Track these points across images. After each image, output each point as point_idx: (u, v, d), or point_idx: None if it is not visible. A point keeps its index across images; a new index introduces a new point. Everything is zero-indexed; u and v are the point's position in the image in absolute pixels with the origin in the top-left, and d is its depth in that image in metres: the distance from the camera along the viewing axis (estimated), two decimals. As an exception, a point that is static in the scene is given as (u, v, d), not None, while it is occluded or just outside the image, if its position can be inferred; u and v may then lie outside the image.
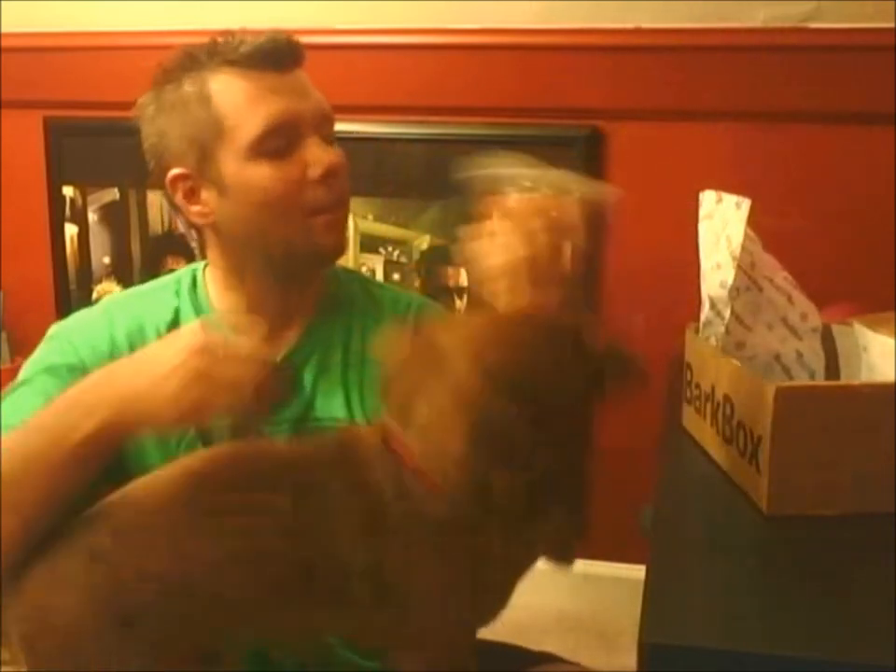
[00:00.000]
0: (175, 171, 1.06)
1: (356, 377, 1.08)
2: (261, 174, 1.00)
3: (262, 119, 1.00)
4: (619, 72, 1.86)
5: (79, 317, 1.12)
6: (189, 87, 1.03)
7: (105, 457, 0.87)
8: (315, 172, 1.01)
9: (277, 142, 1.00)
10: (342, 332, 1.11)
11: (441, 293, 2.00)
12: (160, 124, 1.07)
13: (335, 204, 1.03)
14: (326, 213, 1.03)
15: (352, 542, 0.86)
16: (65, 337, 1.07)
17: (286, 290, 1.09)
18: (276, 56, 1.03)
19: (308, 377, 1.07)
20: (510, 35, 1.90)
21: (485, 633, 1.29)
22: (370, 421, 1.03)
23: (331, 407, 1.06)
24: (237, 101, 1.01)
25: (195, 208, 1.06)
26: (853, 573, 0.91)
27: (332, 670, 1.04)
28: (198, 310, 1.10)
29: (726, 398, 1.11)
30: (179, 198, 1.06)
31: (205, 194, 1.04)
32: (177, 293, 1.12)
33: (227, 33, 1.05)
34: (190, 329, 0.90)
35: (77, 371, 1.01)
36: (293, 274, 1.08)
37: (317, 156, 1.01)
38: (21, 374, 1.05)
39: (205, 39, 1.07)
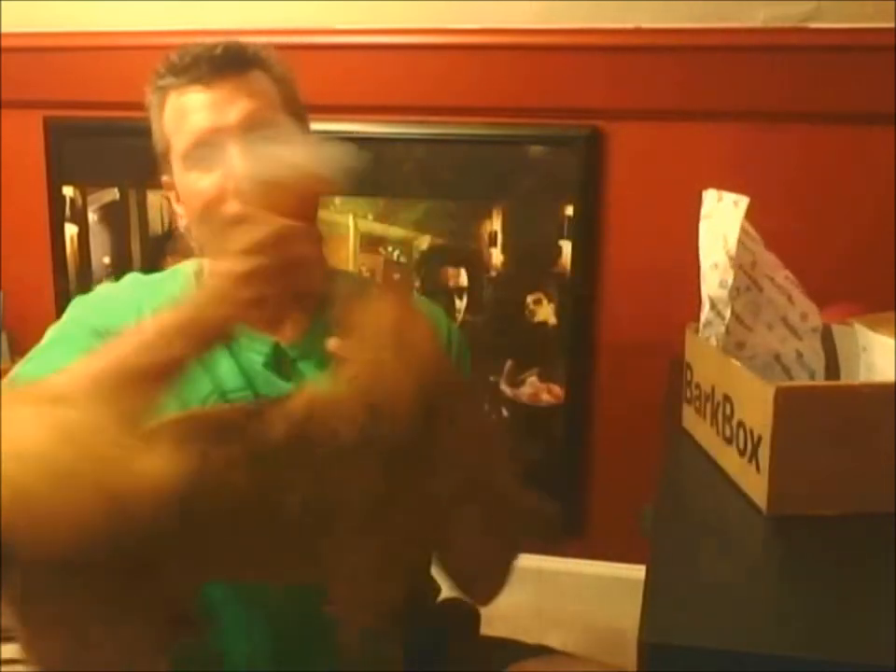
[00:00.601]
0: (164, 177, 1.14)
1: None
2: (193, 182, 1.07)
3: (188, 135, 1.06)
4: (619, 72, 1.86)
5: (107, 291, 1.15)
6: (156, 103, 1.11)
7: None
8: (231, 183, 1.04)
9: (202, 154, 1.05)
10: None
11: (441, 293, 2.00)
12: (153, 129, 1.14)
13: None
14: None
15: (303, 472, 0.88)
16: (98, 305, 1.10)
17: None
18: (206, 70, 1.06)
19: (308, 371, 1.10)
20: (510, 35, 1.90)
21: (484, 629, 1.30)
22: None
23: None
24: (176, 117, 1.08)
25: (178, 210, 1.15)
26: (853, 573, 0.91)
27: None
28: None
29: (726, 398, 1.11)
30: (172, 200, 1.15)
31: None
32: (180, 283, 1.15)
33: (183, 45, 1.10)
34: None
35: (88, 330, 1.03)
36: None
37: (234, 167, 1.03)
38: (57, 332, 1.06)
39: (202, 40, 1.10)
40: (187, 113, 1.06)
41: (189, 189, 1.07)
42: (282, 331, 1.12)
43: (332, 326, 1.13)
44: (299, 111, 1.12)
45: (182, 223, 1.16)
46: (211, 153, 1.05)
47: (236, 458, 0.88)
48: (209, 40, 1.09)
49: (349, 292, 1.19)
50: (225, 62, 1.06)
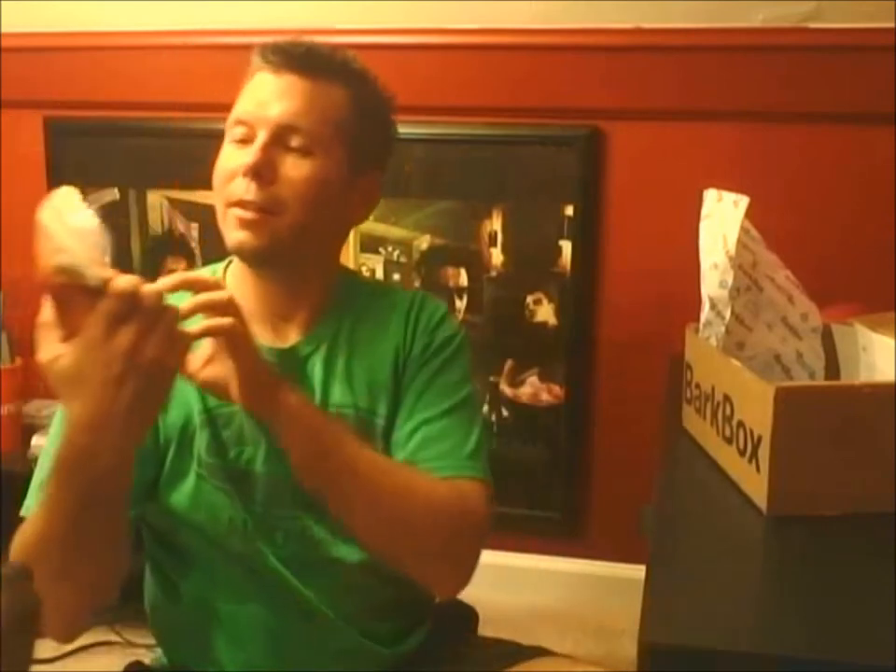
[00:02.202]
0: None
1: (360, 369, 1.12)
2: (222, 153, 1.09)
3: (236, 109, 1.09)
4: (619, 72, 1.86)
5: None
6: (249, 76, 1.12)
7: None
8: (242, 166, 1.06)
9: (240, 132, 1.08)
10: (347, 330, 1.14)
11: (441, 293, 2.00)
12: None
13: (256, 205, 1.04)
14: (241, 208, 1.05)
15: None
16: None
17: (284, 282, 1.12)
18: (285, 60, 1.07)
19: (316, 367, 1.11)
20: (510, 35, 1.90)
21: (482, 629, 1.29)
22: (371, 408, 1.11)
23: (337, 395, 1.11)
24: (243, 91, 1.10)
25: None
26: (853, 573, 0.91)
27: None
28: None
29: (726, 398, 1.11)
30: None
31: None
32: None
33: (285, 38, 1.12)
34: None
35: None
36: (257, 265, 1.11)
37: (249, 153, 1.05)
38: None
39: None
40: (248, 90, 1.09)
41: (220, 156, 1.09)
42: (285, 334, 1.13)
43: (344, 324, 1.14)
44: (350, 135, 1.09)
45: None
46: (247, 133, 1.07)
47: None
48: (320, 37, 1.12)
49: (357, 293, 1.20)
50: (310, 61, 1.08)
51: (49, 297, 0.87)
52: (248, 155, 1.04)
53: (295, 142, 1.05)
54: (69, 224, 0.89)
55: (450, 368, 1.15)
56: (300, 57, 1.08)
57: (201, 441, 1.07)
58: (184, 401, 1.07)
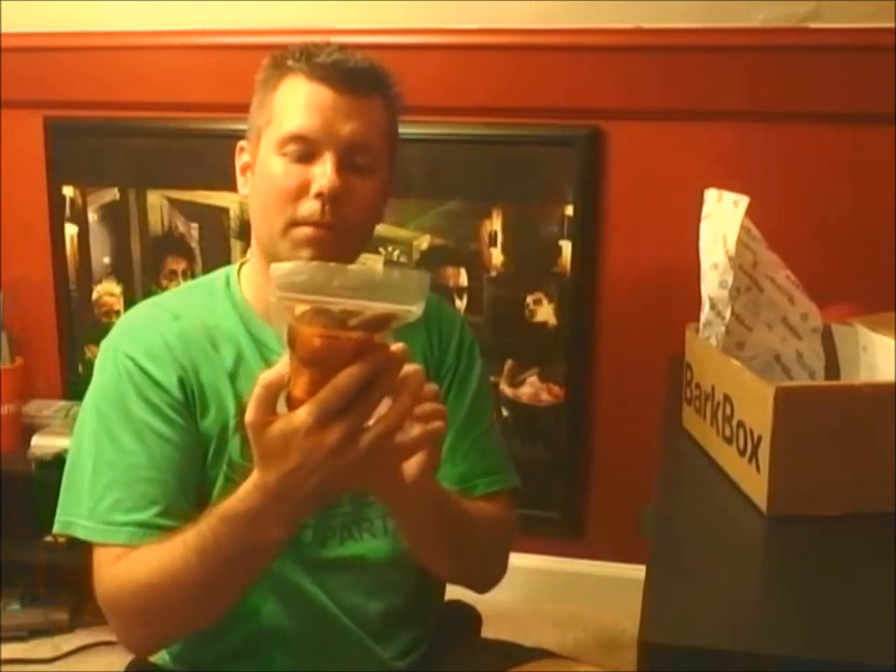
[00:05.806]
0: (241, 143, 1.16)
1: None
2: (275, 167, 1.08)
3: (294, 124, 1.07)
4: (619, 72, 1.86)
5: (127, 329, 1.12)
6: (273, 77, 1.11)
7: None
8: (314, 187, 1.05)
9: (299, 149, 1.06)
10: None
11: (442, 293, 2.00)
12: (254, 100, 1.15)
13: (324, 224, 1.05)
14: (309, 227, 1.06)
15: None
16: (123, 352, 1.08)
17: None
18: (341, 78, 1.07)
19: None
20: (509, 35, 1.90)
21: (484, 631, 1.30)
22: None
23: None
24: (290, 101, 1.08)
25: (241, 179, 1.16)
26: (853, 573, 0.91)
27: None
28: (234, 305, 1.14)
29: (726, 398, 1.11)
30: (238, 167, 1.16)
31: (250, 171, 1.13)
32: (211, 293, 1.16)
33: (320, 41, 1.12)
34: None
35: (149, 381, 1.06)
36: None
37: (322, 175, 1.05)
38: (100, 402, 1.07)
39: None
40: (306, 104, 1.07)
41: (267, 169, 1.08)
42: None
43: None
44: (392, 144, 1.15)
45: (241, 193, 1.17)
46: (307, 150, 1.06)
47: None
48: (333, 41, 1.11)
49: None
50: (362, 78, 1.09)
51: (294, 354, 0.79)
52: (323, 177, 1.04)
53: (360, 160, 1.07)
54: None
55: (481, 382, 1.21)
56: (358, 75, 1.08)
57: (234, 443, 1.07)
58: (221, 404, 1.08)
